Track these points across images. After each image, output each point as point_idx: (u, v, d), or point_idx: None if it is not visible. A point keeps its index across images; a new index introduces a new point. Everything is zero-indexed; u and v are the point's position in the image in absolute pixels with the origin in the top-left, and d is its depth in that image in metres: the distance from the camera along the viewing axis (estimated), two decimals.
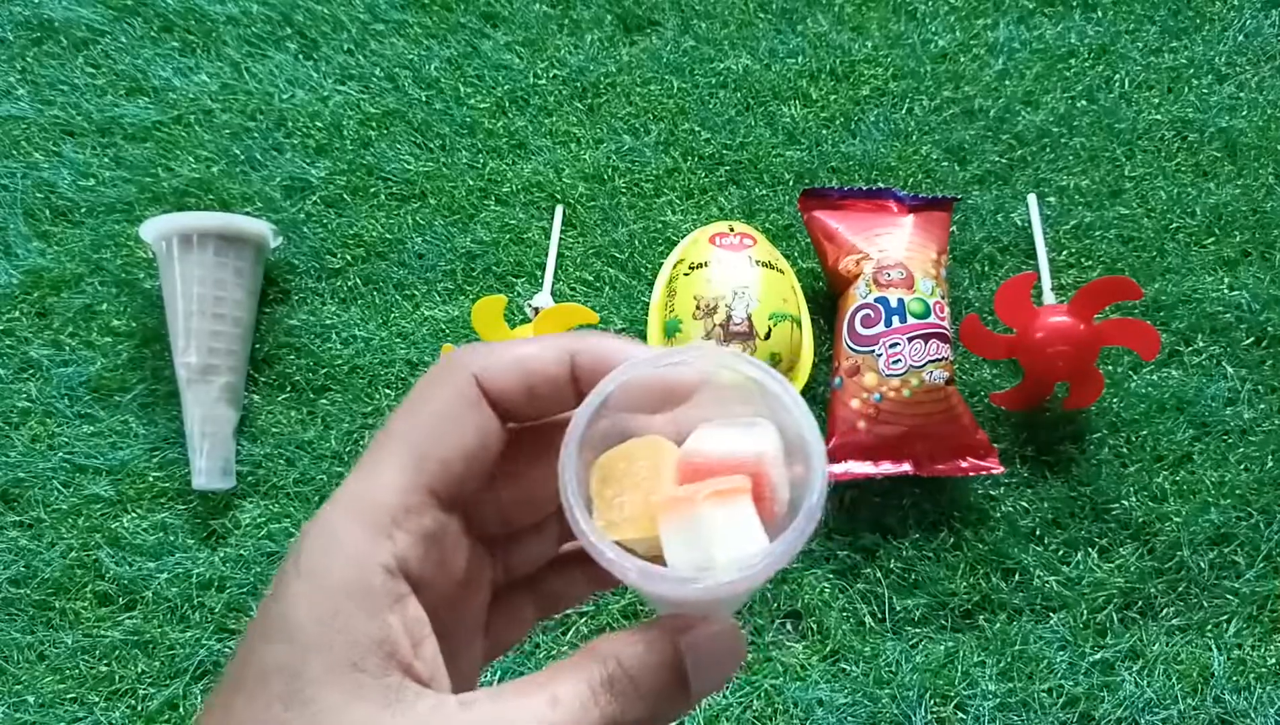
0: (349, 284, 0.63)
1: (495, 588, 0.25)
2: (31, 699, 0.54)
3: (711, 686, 0.22)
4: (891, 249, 0.58)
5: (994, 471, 0.57)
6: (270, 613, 0.20)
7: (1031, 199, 0.64)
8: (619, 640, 0.21)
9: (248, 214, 0.62)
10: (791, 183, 0.65)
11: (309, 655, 0.19)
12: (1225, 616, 0.57)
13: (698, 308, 0.55)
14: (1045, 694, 0.55)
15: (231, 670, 0.20)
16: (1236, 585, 0.57)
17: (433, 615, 0.21)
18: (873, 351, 0.56)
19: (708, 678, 0.22)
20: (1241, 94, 0.68)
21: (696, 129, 0.67)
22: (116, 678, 0.55)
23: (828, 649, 0.56)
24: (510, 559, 0.25)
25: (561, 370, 0.22)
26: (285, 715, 0.19)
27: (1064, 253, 0.64)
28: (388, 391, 0.60)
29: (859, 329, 0.57)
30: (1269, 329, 0.62)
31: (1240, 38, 0.70)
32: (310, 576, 0.20)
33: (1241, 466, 0.60)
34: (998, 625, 0.56)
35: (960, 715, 0.54)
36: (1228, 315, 0.63)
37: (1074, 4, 0.71)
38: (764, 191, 0.65)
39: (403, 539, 0.21)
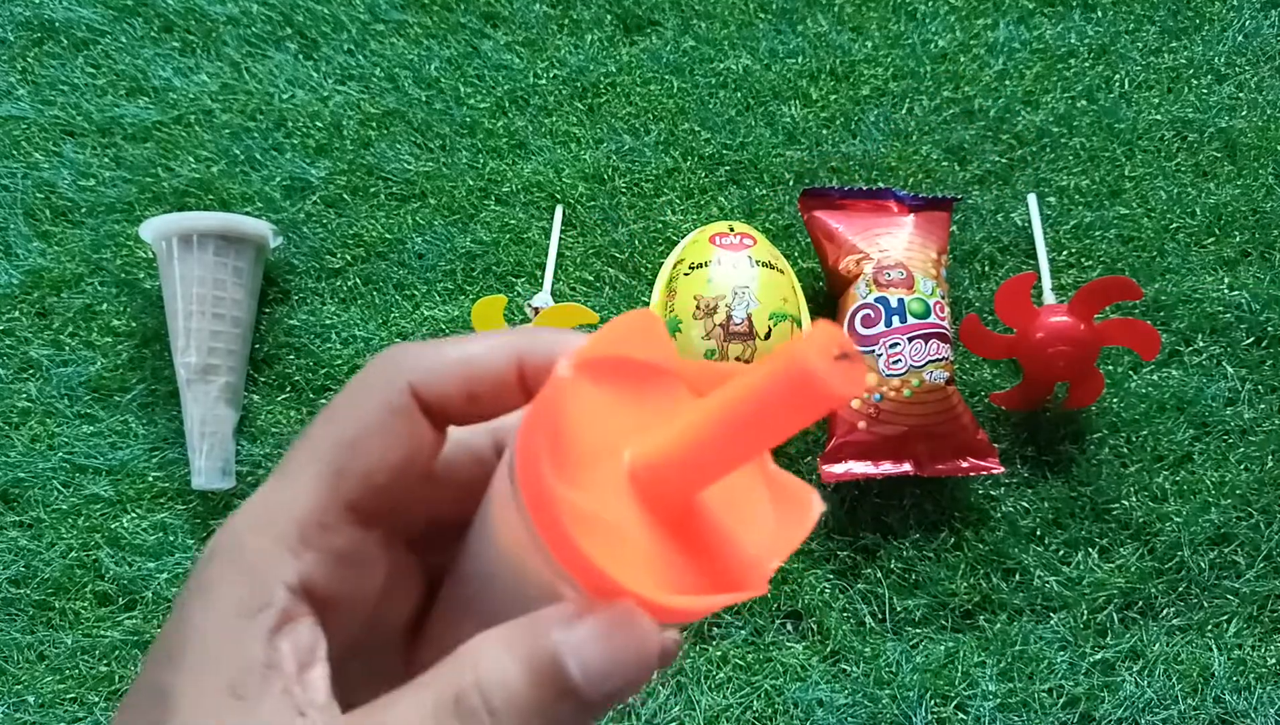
0: (349, 284, 0.63)
1: (424, 592, 0.23)
2: (31, 699, 0.54)
3: (615, 696, 0.17)
4: (892, 249, 0.58)
5: (994, 471, 0.57)
6: (164, 631, 0.18)
7: (1031, 199, 0.64)
8: (486, 641, 0.17)
9: (248, 214, 0.62)
10: (791, 183, 0.65)
11: (185, 676, 0.17)
12: (1225, 616, 0.57)
13: (698, 308, 0.55)
14: (1045, 694, 0.55)
15: (128, 692, 0.19)
16: (1236, 585, 0.57)
17: (343, 634, 0.19)
18: (873, 351, 0.56)
19: (605, 686, 0.17)
20: (1241, 94, 0.68)
21: (696, 129, 0.67)
22: (116, 678, 0.55)
23: (828, 649, 0.56)
24: (437, 557, 0.23)
25: (509, 371, 0.20)
26: None
27: (1064, 253, 0.64)
28: None
29: (859, 329, 0.57)
30: (1269, 329, 0.62)
31: (1240, 38, 0.70)
32: (205, 592, 0.18)
33: (1242, 466, 0.60)
34: (998, 625, 0.56)
35: (961, 715, 0.54)
36: (1228, 315, 0.63)
37: (1074, 4, 0.71)
38: (764, 191, 0.65)
39: (311, 558, 0.19)
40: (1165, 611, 0.57)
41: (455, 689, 0.17)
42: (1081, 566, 0.57)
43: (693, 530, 0.19)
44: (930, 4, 0.70)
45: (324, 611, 0.19)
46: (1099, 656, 0.55)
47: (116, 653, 0.55)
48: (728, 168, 0.66)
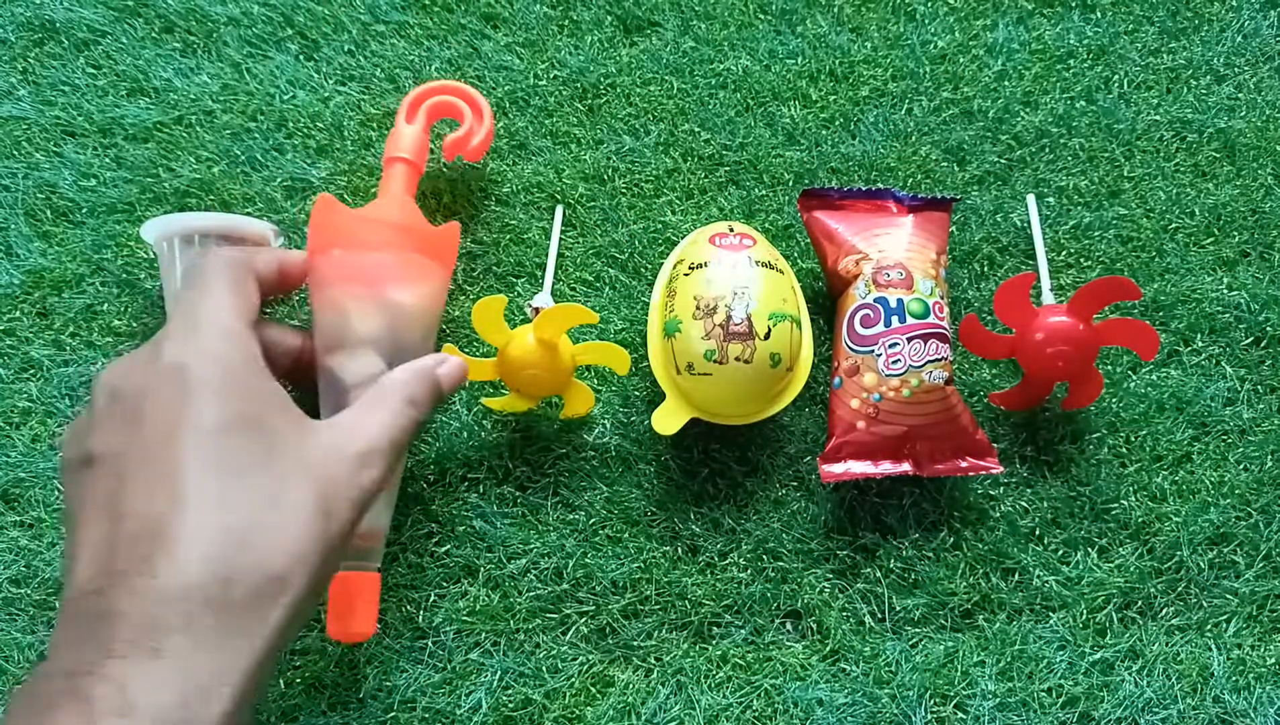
0: None
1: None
2: None
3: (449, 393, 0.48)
4: (891, 249, 0.59)
5: (993, 471, 0.57)
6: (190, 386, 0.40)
7: (1030, 199, 0.64)
8: (405, 377, 0.45)
9: (249, 214, 0.62)
10: (791, 183, 0.65)
11: (244, 406, 0.40)
12: (1225, 616, 0.57)
13: (697, 308, 0.55)
14: (1045, 694, 0.55)
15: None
16: (1236, 585, 0.57)
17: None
18: (872, 351, 0.56)
19: (449, 391, 0.47)
20: (1240, 94, 0.68)
21: (696, 129, 0.67)
22: None
23: (827, 649, 0.56)
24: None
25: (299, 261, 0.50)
26: (260, 442, 0.39)
27: (1063, 253, 0.64)
28: None
29: (858, 329, 0.57)
30: (1268, 329, 0.63)
31: (1239, 39, 0.70)
32: (212, 351, 0.41)
33: (1241, 466, 0.60)
34: (997, 625, 0.56)
35: (960, 715, 0.54)
36: (1227, 315, 0.63)
37: (1073, 5, 0.71)
38: (764, 191, 0.65)
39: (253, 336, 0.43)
40: (1164, 611, 0.57)
41: (408, 395, 0.44)
42: (1081, 566, 0.57)
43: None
44: (929, 5, 0.71)
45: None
46: (1098, 656, 0.56)
47: None
48: (728, 168, 0.66)
